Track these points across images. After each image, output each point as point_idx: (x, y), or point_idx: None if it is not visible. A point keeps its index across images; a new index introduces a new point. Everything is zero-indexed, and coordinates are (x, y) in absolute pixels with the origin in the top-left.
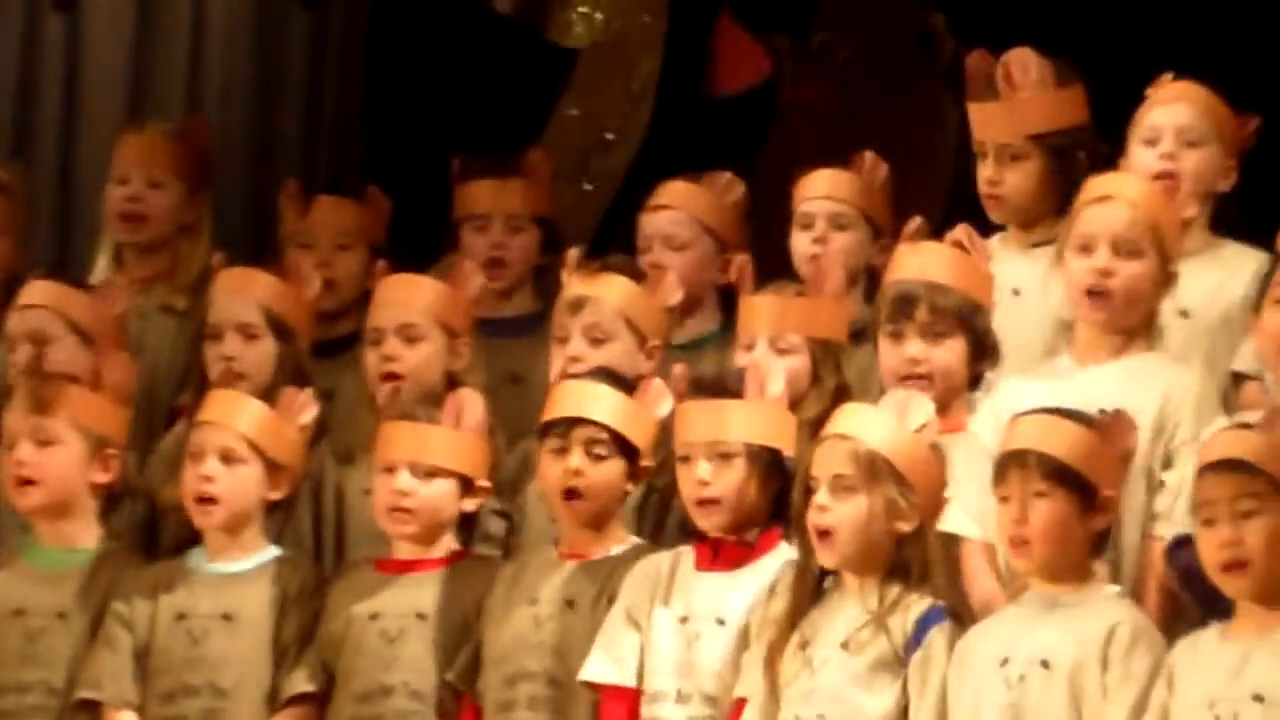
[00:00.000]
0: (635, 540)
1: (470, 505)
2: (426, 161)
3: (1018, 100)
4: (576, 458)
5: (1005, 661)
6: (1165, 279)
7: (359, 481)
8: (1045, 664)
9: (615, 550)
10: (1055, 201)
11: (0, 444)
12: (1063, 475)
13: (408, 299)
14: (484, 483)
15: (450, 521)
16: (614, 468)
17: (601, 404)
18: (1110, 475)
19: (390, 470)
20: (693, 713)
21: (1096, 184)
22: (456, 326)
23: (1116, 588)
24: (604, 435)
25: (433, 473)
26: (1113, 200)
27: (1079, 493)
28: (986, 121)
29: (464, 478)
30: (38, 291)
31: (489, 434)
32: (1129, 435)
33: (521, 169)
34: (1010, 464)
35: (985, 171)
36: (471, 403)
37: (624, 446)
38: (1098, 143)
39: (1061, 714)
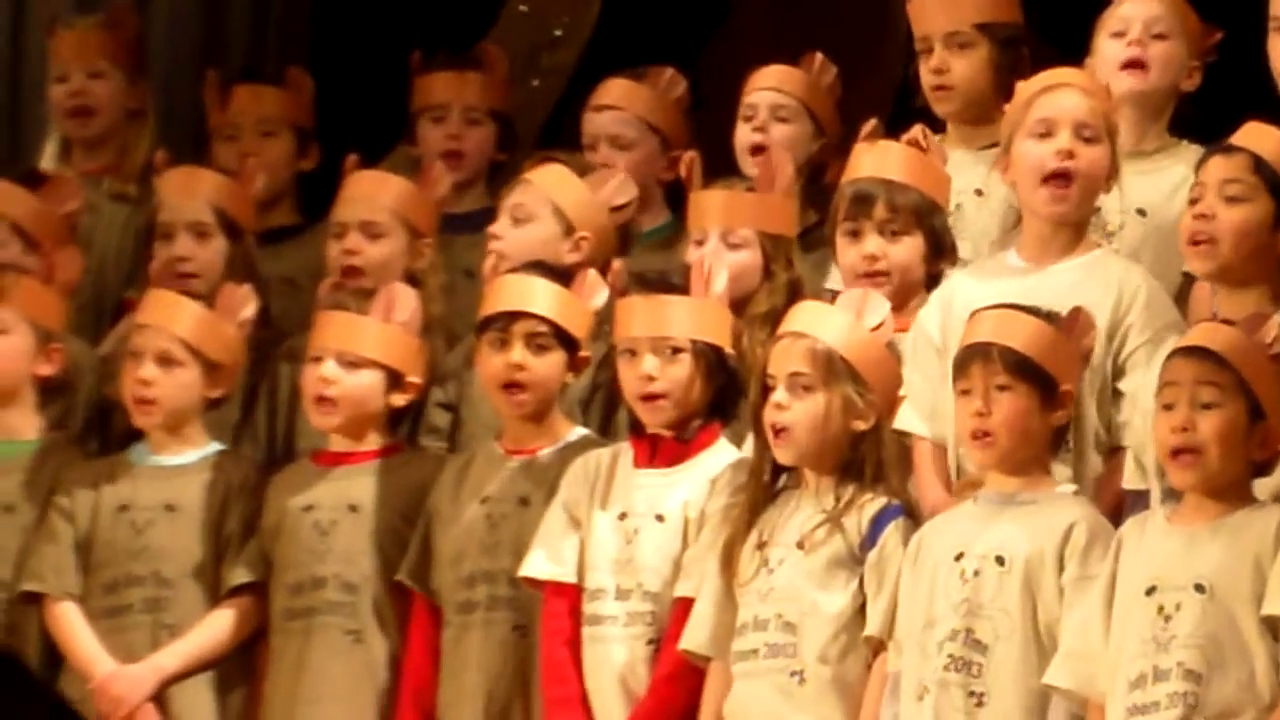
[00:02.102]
0: (582, 431)
1: (400, 400)
2: (374, 53)
3: None
4: (518, 351)
5: (960, 556)
6: (1113, 171)
7: None
8: (1000, 560)
9: (563, 443)
10: (1002, 95)
11: None
12: (1025, 368)
13: (373, 195)
14: (414, 378)
15: (378, 414)
16: (555, 359)
17: (540, 296)
18: (1070, 370)
19: (318, 360)
20: (632, 608)
21: (1044, 75)
22: (421, 226)
23: (1072, 487)
24: (544, 328)
25: (358, 363)
26: (1068, 88)
27: (1040, 386)
28: (930, 14)
29: (392, 371)
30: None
31: (424, 330)
32: (1088, 332)
33: (481, 63)
34: (973, 357)
35: (931, 62)
36: (403, 297)
37: (564, 338)
38: (1039, 44)
39: (1015, 610)
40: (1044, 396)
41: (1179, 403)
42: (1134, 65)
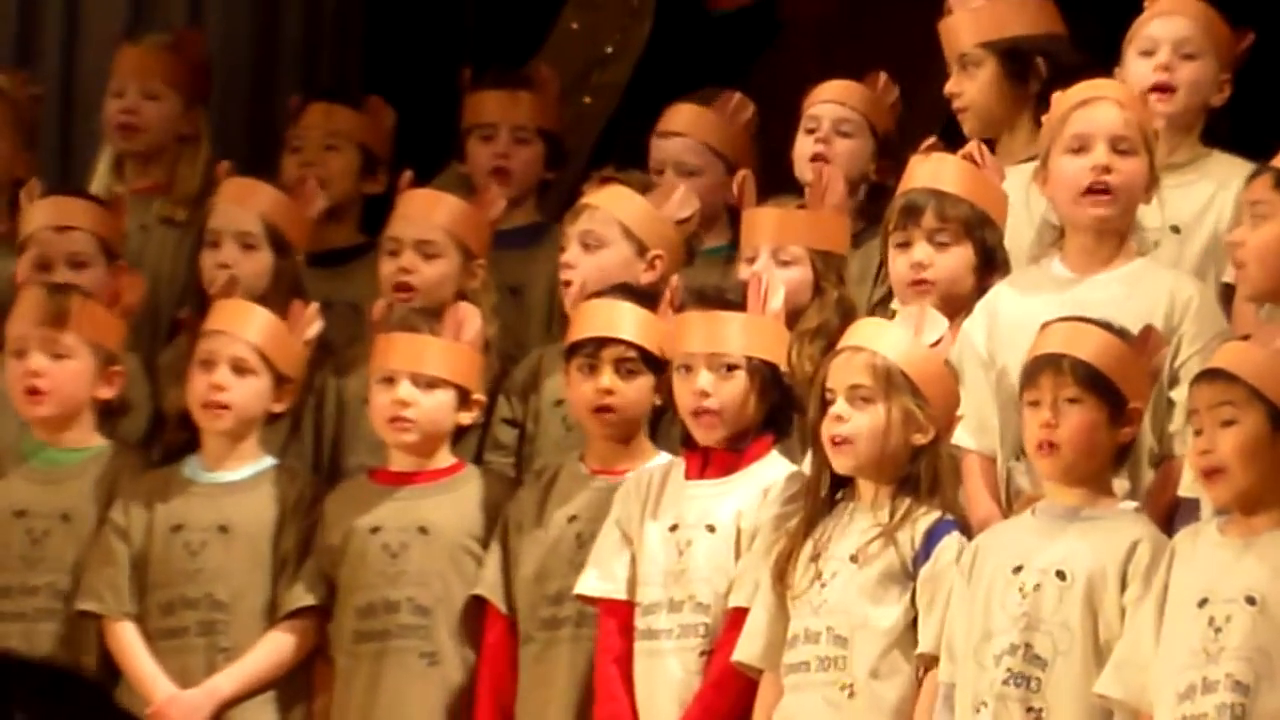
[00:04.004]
0: (667, 456)
1: (466, 418)
2: (426, 72)
3: (971, 10)
4: (607, 377)
5: (1019, 569)
6: (1151, 182)
7: (359, 391)
8: (1061, 575)
9: (649, 465)
10: (1015, 109)
11: (6, 350)
12: (1095, 381)
13: (428, 214)
14: (479, 396)
15: (448, 433)
16: (643, 383)
17: (626, 321)
18: (1140, 388)
19: (390, 381)
20: (685, 620)
21: (1079, 89)
22: (474, 247)
23: (1134, 504)
24: (632, 353)
25: (433, 384)
26: (1102, 101)
27: (1110, 401)
28: (949, 35)
29: (462, 390)
30: (75, 212)
31: (484, 348)
32: (1159, 350)
33: (531, 82)
34: (1043, 367)
35: (948, 85)
36: (471, 316)
37: (650, 361)
38: (1065, 52)
39: (1076, 626)
40: (1112, 412)
41: (1204, 427)
42: (1161, 89)
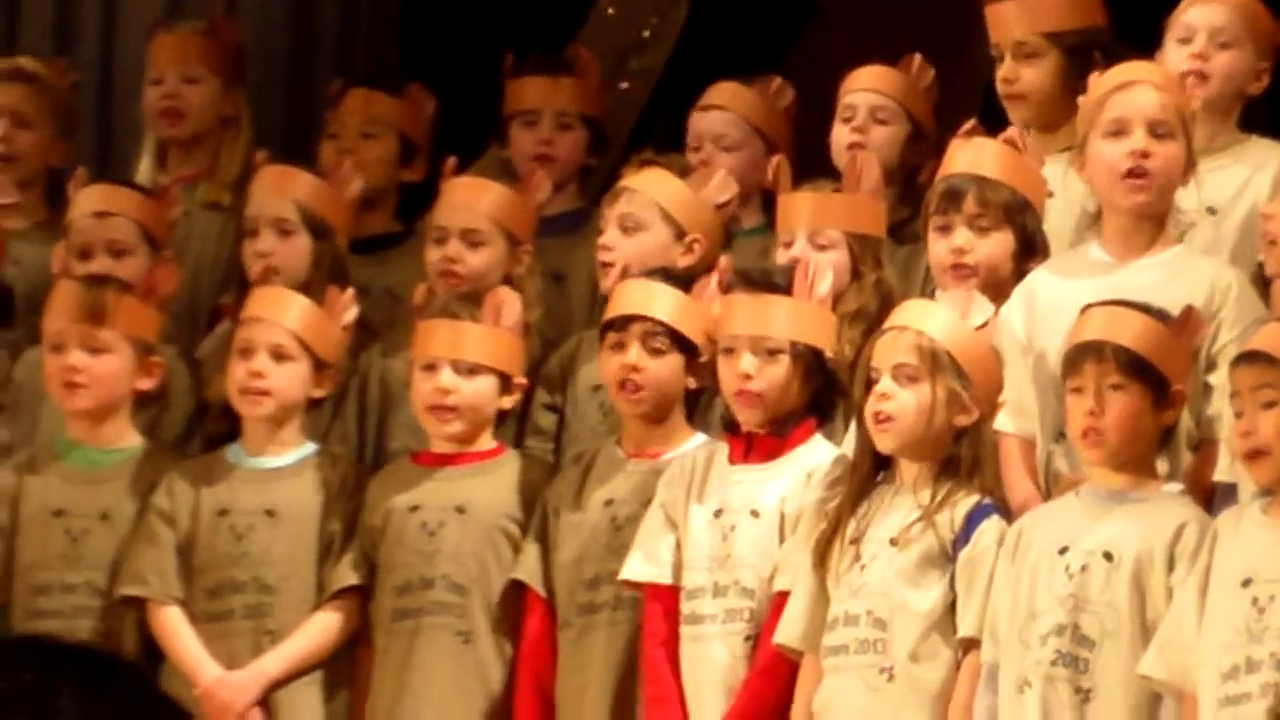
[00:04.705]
0: (703, 438)
1: (508, 403)
2: (463, 58)
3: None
4: (634, 352)
5: (1064, 550)
6: (1189, 165)
7: (402, 375)
8: (1109, 556)
9: (685, 448)
10: (1071, 100)
11: (44, 345)
12: (1138, 368)
13: (474, 202)
14: (520, 380)
15: (490, 419)
16: (671, 362)
17: (658, 300)
18: (1182, 370)
19: (431, 368)
20: (729, 605)
21: (1116, 72)
22: (519, 233)
23: (1179, 485)
24: (660, 330)
25: (475, 370)
26: (1140, 85)
27: (1153, 386)
28: (1002, 21)
29: (503, 375)
30: (118, 199)
31: (525, 333)
32: (1199, 330)
33: (574, 67)
34: (1085, 355)
35: (1001, 71)
36: (510, 301)
37: (681, 342)
38: (1115, 46)
39: (1123, 606)
40: (1156, 396)
41: (1245, 409)
42: (1196, 76)
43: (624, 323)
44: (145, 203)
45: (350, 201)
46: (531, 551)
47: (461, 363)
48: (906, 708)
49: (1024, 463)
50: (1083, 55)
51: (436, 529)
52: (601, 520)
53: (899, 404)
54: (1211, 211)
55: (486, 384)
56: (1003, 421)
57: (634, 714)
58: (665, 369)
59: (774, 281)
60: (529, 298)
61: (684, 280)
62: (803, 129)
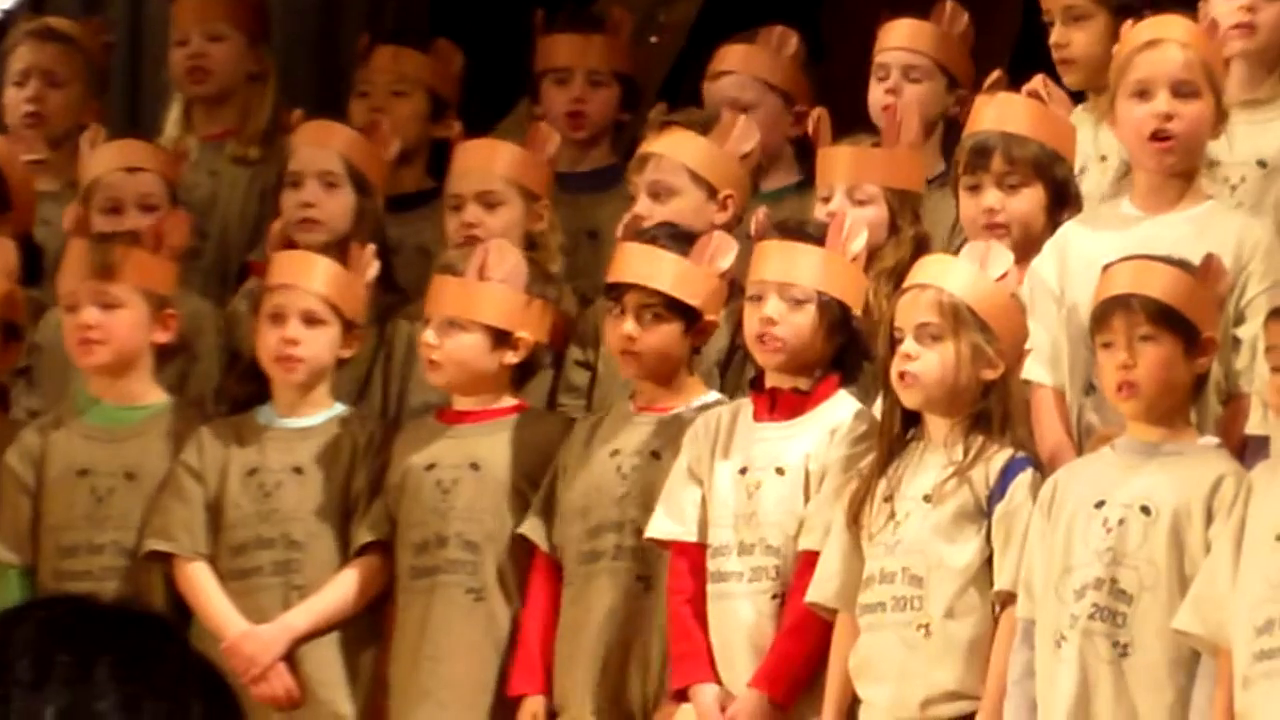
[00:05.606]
0: (715, 395)
1: (512, 358)
2: (491, 13)
3: None
4: (629, 323)
5: (1101, 504)
6: (1220, 117)
7: None
8: (1146, 510)
9: (696, 403)
10: None
11: (60, 305)
12: (1168, 317)
13: (486, 165)
14: (522, 334)
15: (493, 373)
16: (667, 330)
17: (653, 268)
18: (1210, 317)
19: (427, 324)
20: (755, 563)
21: (1142, 28)
22: (535, 189)
23: (1215, 439)
24: (655, 299)
25: (459, 325)
26: (1164, 44)
27: (1183, 335)
28: None
29: (496, 330)
30: (145, 155)
31: (545, 287)
32: (1221, 277)
33: (604, 24)
34: (1113, 309)
35: (1052, 36)
36: (496, 254)
37: (680, 308)
38: (1164, 1)
39: (1161, 560)
40: (1187, 345)
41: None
42: (1245, 28)
43: (620, 291)
44: (168, 158)
45: (389, 161)
46: (538, 505)
47: (446, 318)
48: (943, 663)
49: (1058, 413)
50: (1133, 12)
51: (451, 486)
52: (607, 470)
53: (924, 364)
54: (1262, 164)
55: (470, 339)
56: (1037, 372)
57: (628, 664)
58: (661, 338)
59: (807, 231)
60: (550, 252)
61: (688, 239)
62: (839, 81)
